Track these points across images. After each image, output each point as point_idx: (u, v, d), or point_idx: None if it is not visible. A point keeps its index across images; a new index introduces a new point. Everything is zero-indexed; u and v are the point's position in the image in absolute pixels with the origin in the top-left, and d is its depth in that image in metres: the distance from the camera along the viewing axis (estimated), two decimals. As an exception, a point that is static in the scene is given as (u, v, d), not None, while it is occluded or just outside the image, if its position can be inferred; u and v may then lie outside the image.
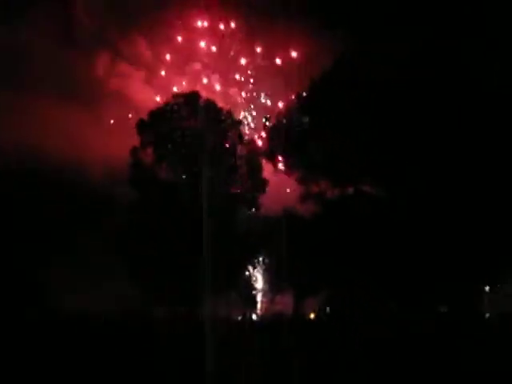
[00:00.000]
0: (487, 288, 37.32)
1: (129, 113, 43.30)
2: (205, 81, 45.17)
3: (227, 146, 41.21)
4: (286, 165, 38.64)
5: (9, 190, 38.82)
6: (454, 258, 33.29)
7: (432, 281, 34.15)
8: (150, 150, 40.92)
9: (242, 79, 44.80)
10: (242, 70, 44.94)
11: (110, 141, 40.41)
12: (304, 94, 37.69)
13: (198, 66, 44.97)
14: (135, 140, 40.58)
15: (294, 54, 41.14)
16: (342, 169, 35.87)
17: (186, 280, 37.78)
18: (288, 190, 40.50)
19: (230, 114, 41.46)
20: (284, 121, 37.66)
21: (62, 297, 37.87)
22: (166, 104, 41.23)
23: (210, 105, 41.36)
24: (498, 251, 33.45)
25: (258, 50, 43.94)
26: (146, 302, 38.65)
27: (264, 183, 40.90)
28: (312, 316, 39.40)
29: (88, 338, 32.59)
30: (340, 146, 35.49)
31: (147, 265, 39.18)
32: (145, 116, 40.82)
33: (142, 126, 40.83)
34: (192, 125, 41.26)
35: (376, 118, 34.04)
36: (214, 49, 44.51)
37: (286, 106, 38.39)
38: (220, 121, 41.32)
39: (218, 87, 44.87)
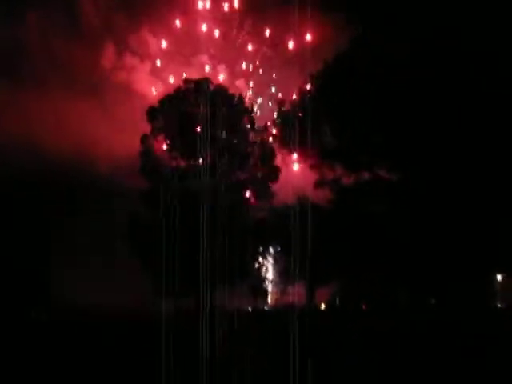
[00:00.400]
0: (499, 277, 36.28)
1: (135, 104, 42.43)
2: (211, 71, 44.06)
3: (239, 132, 40.39)
4: (299, 151, 37.49)
5: (16, 186, 38.67)
6: (466, 244, 32.02)
7: (443, 270, 33.11)
8: (160, 137, 40.21)
9: (250, 69, 43.75)
10: (249, 58, 44.01)
11: (117, 132, 39.90)
12: (317, 78, 36.34)
13: (204, 57, 44.10)
14: (142, 131, 39.76)
15: (307, 38, 40.03)
16: (358, 154, 34.75)
17: (196, 271, 37.00)
18: (301, 177, 39.52)
19: (241, 99, 40.60)
20: (297, 106, 36.39)
21: (68, 291, 37.47)
22: (177, 90, 40.39)
23: (221, 90, 40.54)
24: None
25: (267, 33, 42.80)
26: (156, 293, 37.93)
27: (277, 170, 40.06)
28: (323, 306, 38.63)
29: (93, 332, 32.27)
30: (355, 131, 34.37)
31: (157, 255, 38.46)
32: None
33: (152, 112, 40.08)
34: (203, 111, 40.41)
35: (393, 101, 32.80)
36: (217, 34, 43.09)
37: (300, 91, 37.16)
38: (232, 106, 40.46)
39: (223, 77, 43.67)
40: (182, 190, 40.03)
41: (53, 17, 40.54)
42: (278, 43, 42.24)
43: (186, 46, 43.76)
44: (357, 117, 34.83)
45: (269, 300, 39.91)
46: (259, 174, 39.93)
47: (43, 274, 41.46)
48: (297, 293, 36.71)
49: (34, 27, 40.32)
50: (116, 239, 40.39)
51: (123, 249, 39.81)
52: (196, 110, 40.23)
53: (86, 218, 41.69)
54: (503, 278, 36.71)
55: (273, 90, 43.35)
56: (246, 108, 40.88)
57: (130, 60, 43.13)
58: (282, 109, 37.72)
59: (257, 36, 43.29)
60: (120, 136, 39.97)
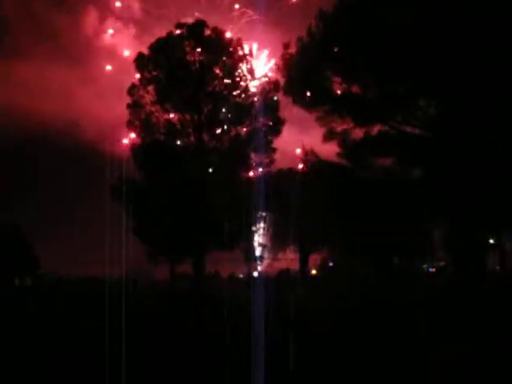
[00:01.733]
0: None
1: (119, 69, 38.99)
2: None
3: (237, 81, 36.52)
4: (304, 100, 33.57)
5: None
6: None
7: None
8: (150, 88, 36.29)
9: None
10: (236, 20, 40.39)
11: (102, 98, 36.87)
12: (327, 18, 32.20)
13: (190, 20, 39.90)
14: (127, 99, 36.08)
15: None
16: (372, 103, 30.79)
17: (187, 235, 33.67)
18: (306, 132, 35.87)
19: (239, 45, 36.64)
20: (306, 48, 32.30)
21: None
22: (168, 35, 36.35)
23: (217, 35, 36.57)
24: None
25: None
26: (151, 258, 34.55)
27: (280, 122, 36.35)
28: (314, 272, 35.73)
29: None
30: (367, 76, 30.40)
31: (151, 220, 34.99)
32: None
33: (141, 59, 36.10)
34: (198, 58, 36.54)
35: (411, 42, 28.76)
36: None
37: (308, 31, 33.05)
38: (229, 53, 36.53)
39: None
40: (175, 147, 36.34)
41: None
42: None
43: (171, 9, 39.96)
44: (370, 59, 30.72)
45: (259, 267, 36.57)
46: (261, 128, 36.02)
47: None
48: (289, 258, 34.12)
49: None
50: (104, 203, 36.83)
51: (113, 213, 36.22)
52: (190, 57, 36.39)
53: (72, 182, 38.71)
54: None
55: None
56: (245, 54, 36.87)
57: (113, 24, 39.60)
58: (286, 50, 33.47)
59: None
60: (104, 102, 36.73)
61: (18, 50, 37.85)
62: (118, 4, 40.03)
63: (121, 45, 40.42)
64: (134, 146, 35.86)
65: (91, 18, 40.34)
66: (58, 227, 37.52)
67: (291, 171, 35.86)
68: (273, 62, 37.84)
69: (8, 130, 36.71)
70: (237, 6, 42.23)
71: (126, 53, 38.86)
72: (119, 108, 36.57)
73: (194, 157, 35.97)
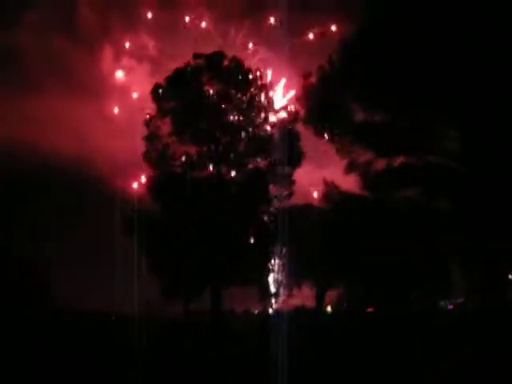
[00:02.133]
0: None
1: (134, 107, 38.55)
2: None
3: (256, 112, 35.67)
4: (325, 131, 32.60)
5: (16, 187, 36.82)
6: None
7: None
8: (167, 120, 35.50)
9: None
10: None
11: (117, 135, 37.48)
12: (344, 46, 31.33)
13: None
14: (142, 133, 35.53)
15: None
16: (395, 133, 29.71)
17: (204, 271, 32.63)
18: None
19: (258, 75, 35.86)
20: (322, 80, 31.43)
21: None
22: (186, 66, 35.67)
23: (237, 65, 35.84)
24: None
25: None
26: (166, 294, 33.43)
27: (300, 155, 35.35)
28: (329, 309, 34.42)
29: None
30: (390, 104, 29.37)
31: (163, 255, 33.95)
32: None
33: (158, 90, 35.39)
34: (215, 89, 35.79)
35: (433, 70, 27.75)
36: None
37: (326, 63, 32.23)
38: (248, 83, 35.74)
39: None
40: (192, 179, 35.37)
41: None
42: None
43: (185, 47, 39.67)
44: (395, 90, 29.67)
45: (274, 303, 35.29)
46: (281, 160, 35.00)
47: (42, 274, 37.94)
48: (303, 296, 32.74)
49: (31, 28, 38.17)
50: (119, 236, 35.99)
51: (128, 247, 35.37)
52: (207, 88, 35.66)
53: (87, 216, 37.98)
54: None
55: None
56: (264, 85, 36.08)
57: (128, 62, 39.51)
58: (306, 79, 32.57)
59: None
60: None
61: (31, 84, 37.46)
62: (128, 44, 39.38)
63: (134, 82, 39.93)
64: (149, 179, 34.99)
65: (107, 55, 39.94)
66: (71, 263, 36.56)
67: (309, 205, 34.85)
68: (292, 93, 37.03)
69: (20, 165, 36.11)
70: (250, 45, 42.20)
71: (136, 91, 38.36)
72: (134, 143, 36.02)
73: (211, 189, 35.01)
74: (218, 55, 35.75)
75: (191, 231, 33.16)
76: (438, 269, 30.31)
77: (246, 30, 42.94)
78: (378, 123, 29.46)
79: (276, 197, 35.24)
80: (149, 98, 35.64)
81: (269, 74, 38.21)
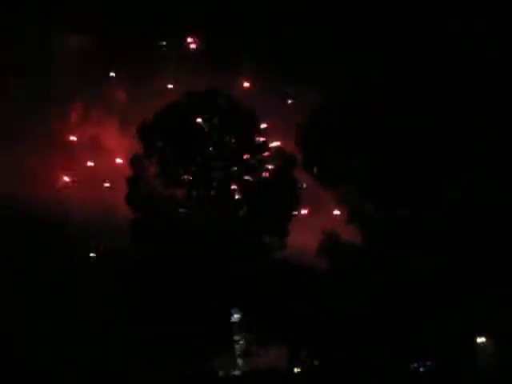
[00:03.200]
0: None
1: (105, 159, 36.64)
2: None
3: (250, 155, 33.35)
4: (323, 180, 30.68)
5: None
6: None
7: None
8: (153, 161, 33.12)
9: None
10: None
11: (88, 186, 35.39)
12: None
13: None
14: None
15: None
16: (394, 187, 27.87)
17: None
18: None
19: (253, 115, 33.53)
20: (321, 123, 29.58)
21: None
22: (175, 104, 33.40)
23: (231, 105, 33.58)
24: None
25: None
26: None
27: (297, 202, 32.93)
28: (296, 370, 32.39)
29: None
30: (392, 157, 27.55)
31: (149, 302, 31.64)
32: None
33: (144, 129, 33.08)
34: (209, 129, 33.53)
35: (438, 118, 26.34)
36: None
37: (325, 105, 30.24)
38: (243, 125, 33.46)
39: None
40: (181, 225, 32.95)
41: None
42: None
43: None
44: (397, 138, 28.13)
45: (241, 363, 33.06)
46: (275, 207, 32.61)
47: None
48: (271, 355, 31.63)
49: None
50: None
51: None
52: (199, 128, 33.38)
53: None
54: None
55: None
56: (259, 127, 33.76)
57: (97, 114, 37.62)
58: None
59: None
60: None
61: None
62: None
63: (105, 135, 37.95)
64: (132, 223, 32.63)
65: (76, 108, 38.29)
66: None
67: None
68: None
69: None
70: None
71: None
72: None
73: (201, 237, 32.57)
74: (212, 93, 33.51)
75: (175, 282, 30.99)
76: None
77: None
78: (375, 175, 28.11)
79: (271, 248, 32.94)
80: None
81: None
